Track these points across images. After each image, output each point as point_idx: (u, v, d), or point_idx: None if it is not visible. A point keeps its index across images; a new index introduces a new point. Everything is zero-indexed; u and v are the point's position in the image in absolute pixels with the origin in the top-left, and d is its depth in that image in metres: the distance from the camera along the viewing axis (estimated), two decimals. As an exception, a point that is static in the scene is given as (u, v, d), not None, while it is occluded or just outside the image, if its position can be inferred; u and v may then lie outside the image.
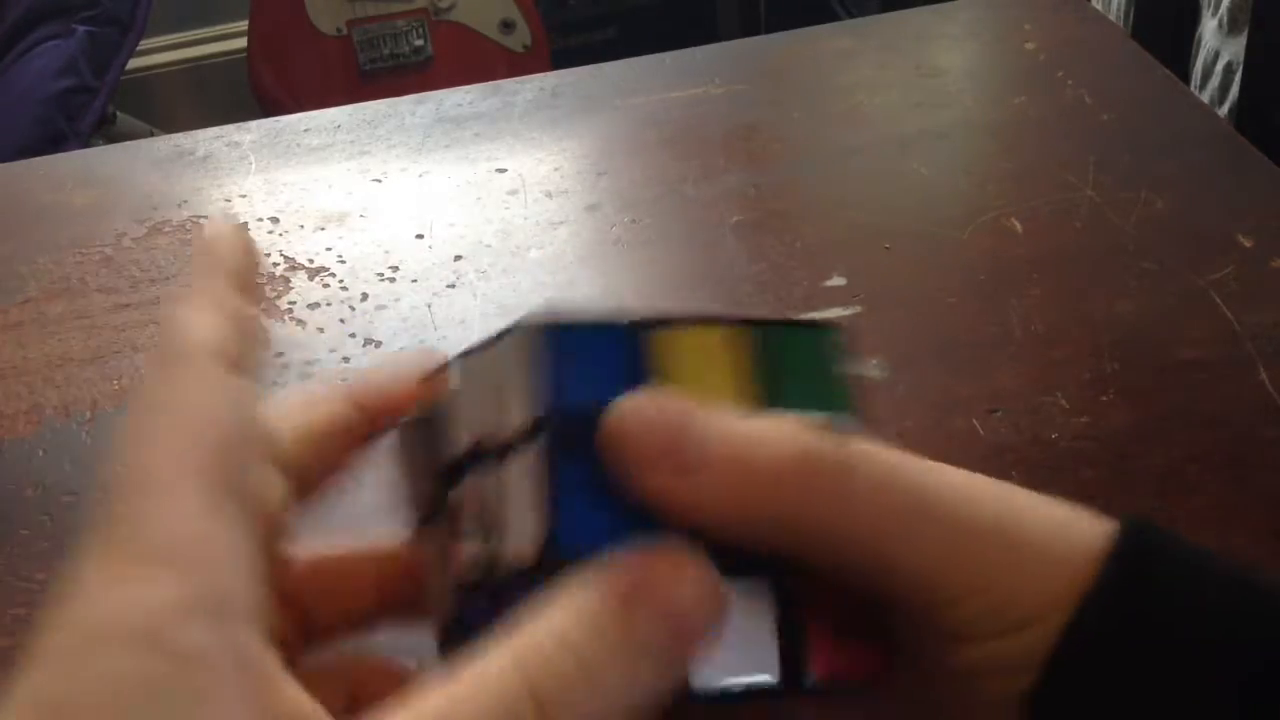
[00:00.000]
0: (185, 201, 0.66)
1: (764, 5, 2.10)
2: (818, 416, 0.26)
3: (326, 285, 0.59)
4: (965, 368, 0.50)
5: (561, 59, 1.96)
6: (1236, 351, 0.50)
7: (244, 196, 0.66)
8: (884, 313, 0.54)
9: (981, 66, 0.73)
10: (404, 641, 0.28)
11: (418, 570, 0.27)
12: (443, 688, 0.21)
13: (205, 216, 0.65)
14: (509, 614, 0.22)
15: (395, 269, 0.60)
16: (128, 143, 0.75)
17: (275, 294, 0.59)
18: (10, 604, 0.45)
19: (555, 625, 0.21)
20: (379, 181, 0.66)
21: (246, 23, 1.92)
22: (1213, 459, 0.45)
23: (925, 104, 0.68)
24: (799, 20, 0.85)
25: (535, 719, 0.20)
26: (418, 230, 0.62)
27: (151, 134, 1.76)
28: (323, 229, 0.63)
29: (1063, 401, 0.48)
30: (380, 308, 0.57)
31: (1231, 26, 0.86)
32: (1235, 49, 0.85)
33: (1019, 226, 0.58)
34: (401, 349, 0.54)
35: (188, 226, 0.64)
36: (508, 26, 1.91)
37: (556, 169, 0.66)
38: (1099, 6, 0.94)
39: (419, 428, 0.28)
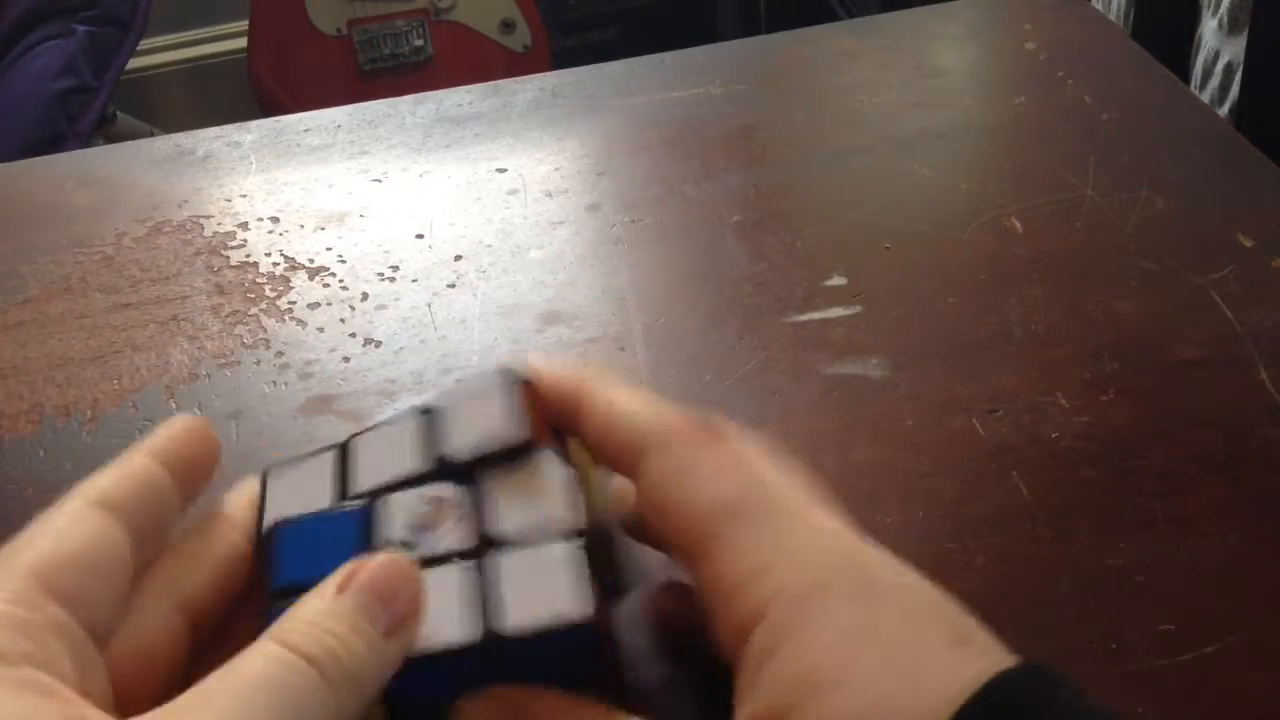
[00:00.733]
0: (185, 201, 0.66)
1: (764, 5, 2.10)
2: None
3: (326, 285, 0.59)
4: (965, 368, 0.50)
5: (561, 59, 1.96)
6: (1236, 351, 0.50)
7: (244, 196, 0.66)
8: (884, 313, 0.54)
9: (981, 66, 0.73)
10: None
11: None
12: (221, 675, 0.26)
13: (207, 216, 0.65)
14: None
15: (395, 269, 0.60)
16: (128, 143, 0.75)
17: (275, 294, 0.59)
18: (10, 604, 0.45)
19: (301, 612, 0.27)
20: (379, 181, 0.66)
21: (246, 23, 1.92)
22: (1213, 459, 0.45)
23: (925, 104, 0.68)
24: (799, 20, 0.85)
25: (304, 675, 0.25)
26: (418, 230, 0.62)
27: (151, 134, 1.76)
28: (323, 229, 0.63)
29: (1063, 401, 0.48)
30: (380, 307, 0.57)
31: (1231, 26, 0.86)
32: (1235, 49, 0.85)
33: (1019, 226, 0.58)
34: (401, 349, 0.54)
35: (188, 226, 0.64)
36: (508, 26, 1.91)
37: (556, 169, 0.66)
38: (1099, 6, 0.94)
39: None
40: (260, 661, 0.25)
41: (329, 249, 0.61)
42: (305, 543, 0.31)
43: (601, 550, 0.32)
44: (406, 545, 0.30)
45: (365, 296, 0.58)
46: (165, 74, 2.27)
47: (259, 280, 0.60)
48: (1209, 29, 0.90)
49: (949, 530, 0.43)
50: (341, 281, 0.59)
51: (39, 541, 0.28)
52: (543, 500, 0.30)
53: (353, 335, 0.56)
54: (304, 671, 0.25)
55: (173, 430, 0.32)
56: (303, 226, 0.63)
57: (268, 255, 0.61)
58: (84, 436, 0.52)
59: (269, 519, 0.32)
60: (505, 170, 0.66)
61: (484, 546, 0.30)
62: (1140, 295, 0.53)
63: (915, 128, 0.66)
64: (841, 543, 0.29)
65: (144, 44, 1.78)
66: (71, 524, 0.29)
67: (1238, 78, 0.84)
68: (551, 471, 0.31)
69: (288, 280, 0.60)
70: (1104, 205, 0.59)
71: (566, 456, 0.32)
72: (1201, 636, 0.39)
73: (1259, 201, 0.58)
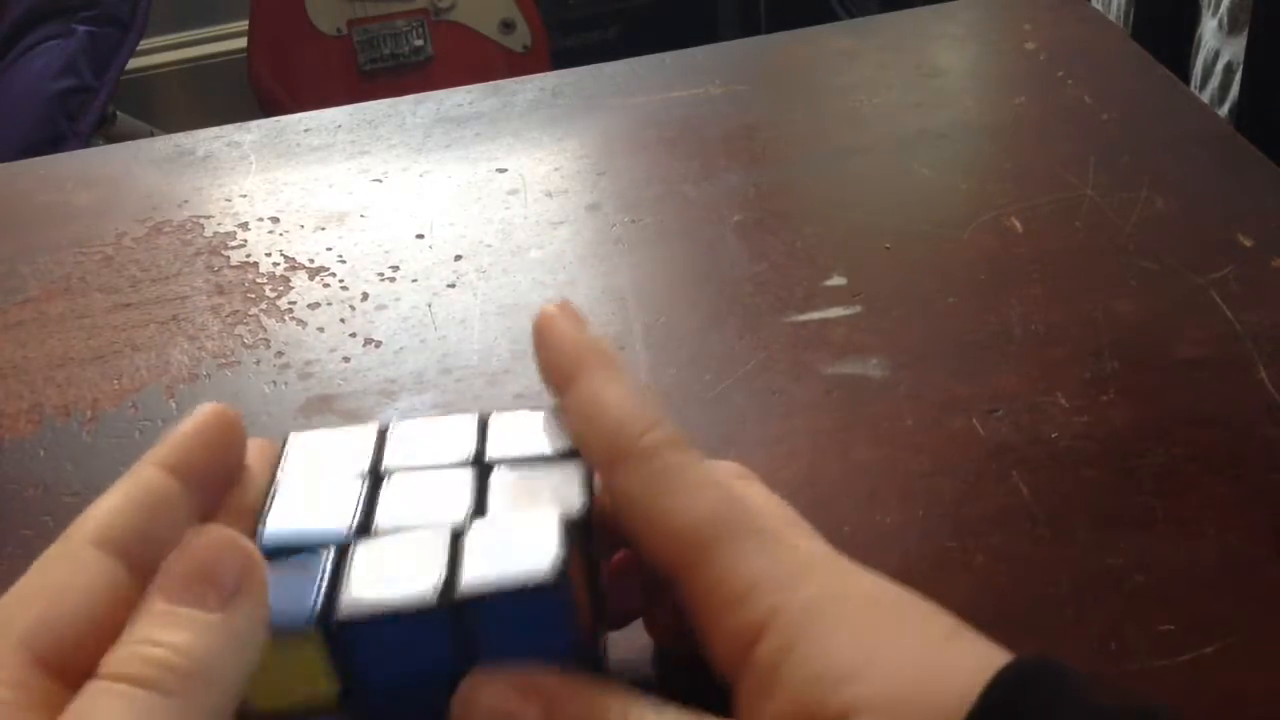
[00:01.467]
0: (185, 201, 0.66)
1: (764, 5, 2.10)
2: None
3: (326, 285, 0.59)
4: (965, 368, 0.50)
5: (561, 59, 1.96)
6: (1236, 351, 0.50)
7: (244, 196, 0.66)
8: (884, 313, 0.54)
9: (981, 66, 0.73)
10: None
11: None
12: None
13: (207, 216, 0.65)
14: None
15: (395, 269, 0.60)
16: (128, 143, 0.76)
17: (275, 294, 0.59)
18: (11, 604, 0.45)
19: (128, 631, 0.26)
20: (379, 181, 0.66)
21: (246, 23, 1.92)
22: (1213, 459, 0.45)
23: (925, 104, 0.68)
24: (799, 20, 0.85)
25: (137, 702, 0.24)
26: (418, 230, 0.62)
27: (151, 134, 1.76)
28: (323, 229, 0.63)
29: (1063, 401, 0.48)
30: (380, 308, 0.57)
31: (1231, 26, 0.86)
32: (1235, 49, 0.85)
33: (1019, 226, 0.58)
34: (402, 349, 0.54)
35: (188, 226, 0.64)
36: (508, 26, 1.91)
37: (556, 169, 0.66)
38: (1099, 6, 0.94)
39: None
40: (89, 704, 0.24)
41: (329, 249, 0.61)
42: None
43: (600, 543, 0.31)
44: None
45: (365, 296, 0.58)
46: (165, 74, 2.27)
47: (259, 280, 0.60)
48: (1209, 29, 0.90)
49: (949, 530, 0.43)
50: (341, 281, 0.59)
51: (31, 605, 0.27)
52: (550, 487, 0.30)
53: (353, 335, 0.56)
54: (136, 698, 0.24)
55: (190, 429, 0.30)
56: (303, 226, 0.63)
57: (268, 255, 0.61)
58: (84, 436, 0.52)
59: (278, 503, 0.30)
60: (505, 170, 0.66)
61: (471, 519, 0.29)
62: (1140, 295, 0.53)
63: (915, 128, 0.66)
64: (824, 555, 0.29)
65: (144, 44, 1.78)
66: (67, 576, 0.27)
67: (1238, 78, 0.84)
68: (570, 469, 0.30)
69: (288, 280, 0.60)
70: (1104, 205, 0.59)
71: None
72: (1201, 636, 0.39)
73: (1259, 201, 0.58)
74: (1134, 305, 0.53)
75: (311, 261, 0.61)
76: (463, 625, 0.27)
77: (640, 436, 0.30)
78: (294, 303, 0.58)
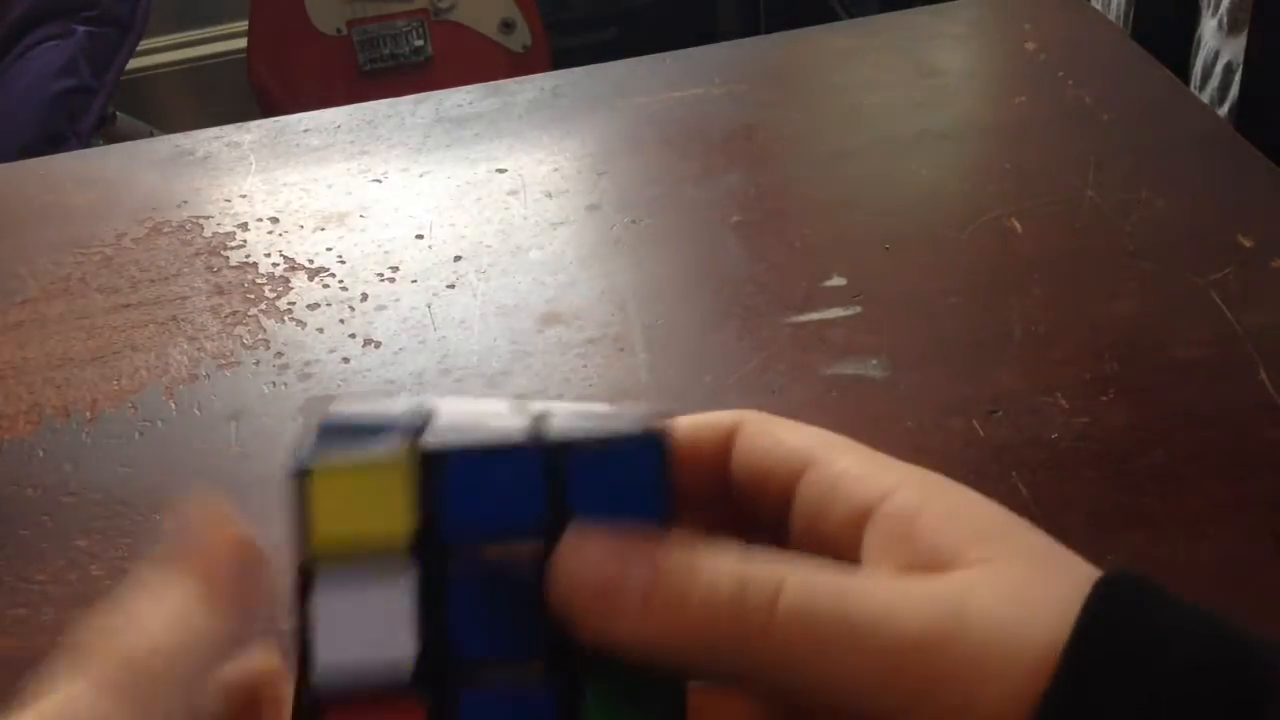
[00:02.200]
0: (185, 201, 0.66)
1: (764, 5, 2.10)
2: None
3: (326, 285, 0.59)
4: (965, 368, 0.50)
5: (561, 59, 1.96)
6: (1236, 351, 0.50)
7: (244, 196, 0.66)
8: (884, 313, 0.54)
9: (981, 66, 0.73)
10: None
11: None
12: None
13: (207, 216, 0.65)
14: None
15: (395, 269, 0.60)
16: (128, 143, 0.76)
17: (275, 294, 0.59)
18: (11, 604, 0.45)
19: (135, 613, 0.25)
20: (379, 181, 0.66)
21: (246, 23, 1.92)
22: (1213, 459, 0.45)
23: (925, 104, 0.68)
24: (799, 20, 0.85)
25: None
26: (418, 230, 0.62)
27: (151, 134, 1.76)
28: (323, 229, 0.63)
29: (1063, 401, 0.48)
30: (380, 308, 0.57)
31: (1231, 26, 0.86)
32: (1235, 49, 0.85)
33: (1019, 226, 0.58)
34: (401, 349, 0.54)
35: (188, 227, 0.64)
36: (508, 26, 1.91)
37: (556, 169, 0.66)
38: (1099, 6, 0.94)
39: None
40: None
41: (329, 249, 0.61)
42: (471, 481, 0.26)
43: None
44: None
45: (365, 297, 0.58)
46: (165, 74, 2.27)
47: (259, 281, 0.60)
48: (1209, 29, 0.90)
49: (949, 530, 0.43)
50: (341, 282, 0.59)
51: None
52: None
53: (352, 336, 0.56)
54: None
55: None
56: (302, 227, 0.63)
57: (267, 256, 0.61)
58: (83, 437, 0.51)
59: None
60: (505, 170, 0.66)
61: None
62: (1140, 295, 0.53)
63: (915, 128, 0.66)
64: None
65: (144, 44, 1.78)
66: None
67: (1238, 78, 0.84)
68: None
69: (287, 281, 0.60)
70: (1104, 205, 0.59)
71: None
72: (1201, 637, 0.39)
73: (1259, 201, 0.58)
74: (1134, 306, 0.53)
75: (311, 262, 0.61)
76: (555, 480, 0.25)
77: (732, 418, 0.30)
78: (293, 303, 0.58)
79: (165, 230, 0.64)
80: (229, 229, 0.64)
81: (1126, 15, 0.97)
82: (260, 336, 0.56)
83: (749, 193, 0.62)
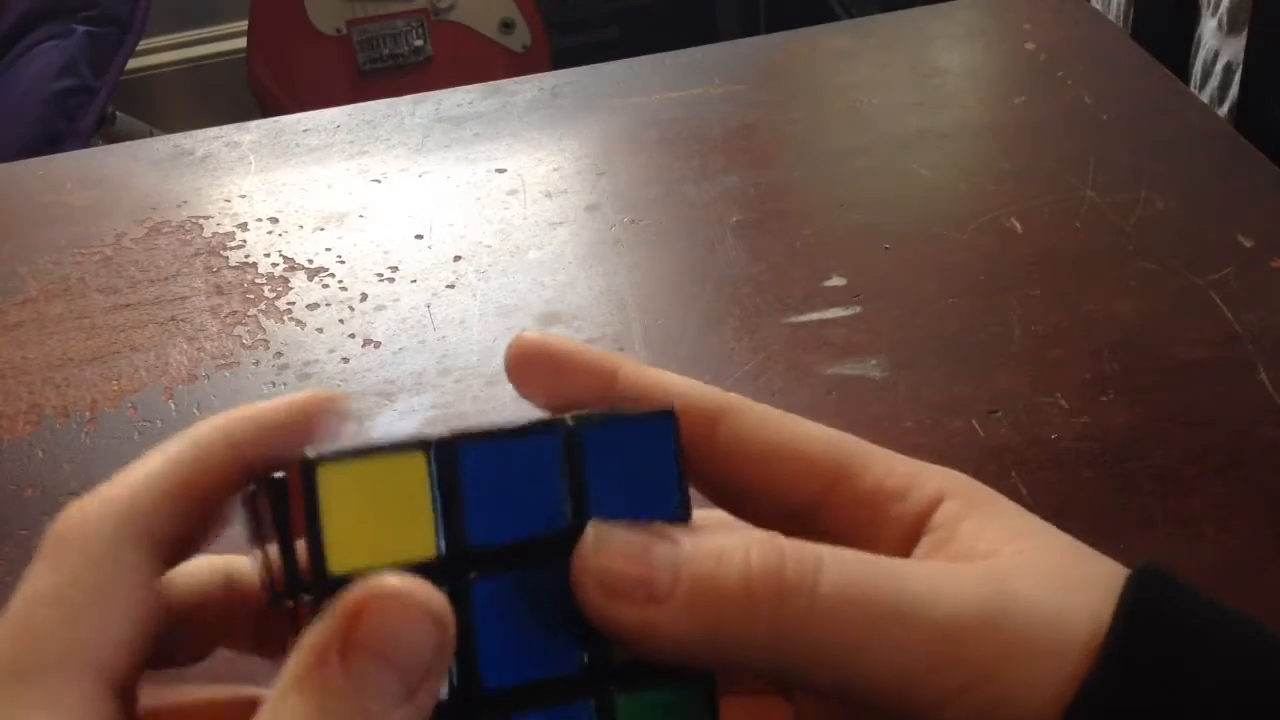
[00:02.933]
0: (185, 201, 0.66)
1: (764, 5, 2.10)
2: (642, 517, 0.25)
3: (326, 285, 0.59)
4: (965, 368, 0.50)
5: (561, 59, 1.96)
6: (1236, 351, 0.50)
7: (244, 196, 0.66)
8: (884, 313, 0.54)
9: (981, 66, 0.73)
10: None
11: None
12: None
13: (206, 216, 0.65)
14: None
15: (395, 269, 0.60)
16: (128, 143, 0.75)
17: (274, 295, 0.59)
18: (9, 604, 0.45)
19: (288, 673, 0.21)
20: (379, 181, 0.66)
21: (246, 23, 1.92)
22: (1213, 459, 0.45)
23: (925, 104, 0.68)
24: (799, 20, 0.85)
25: None
26: (417, 230, 0.62)
27: (151, 134, 1.76)
28: (322, 229, 0.63)
29: (1063, 401, 0.48)
30: (380, 308, 0.57)
31: (1231, 26, 0.86)
32: (1235, 49, 0.85)
33: (1019, 226, 0.58)
34: (401, 349, 0.54)
35: (187, 227, 0.64)
36: (508, 26, 1.91)
37: (556, 169, 0.66)
38: (1099, 6, 0.94)
39: (271, 490, 0.25)
40: None
41: (328, 249, 0.61)
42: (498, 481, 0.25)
43: None
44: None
45: (364, 297, 0.58)
46: (165, 74, 2.27)
47: (258, 281, 0.60)
48: (1208, 29, 0.90)
49: (949, 531, 0.43)
50: (341, 282, 0.59)
51: (87, 625, 0.24)
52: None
53: (352, 336, 0.56)
54: None
55: (283, 410, 0.26)
56: (302, 227, 0.63)
57: (267, 256, 0.61)
58: (83, 437, 0.51)
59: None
60: (505, 170, 0.66)
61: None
62: (1140, 295, 0.53)
63: (915, 128, 0.66)
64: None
65: (144, 44, 1.78)
66: (123, 598, 0.24)
67: (1237, 77, 0.84)
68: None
69: (287, 281, 0.60)
70: (1104, 205, 0.59)
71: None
72: (1201, 637, 0.39)
73: (1259, 201, 0.58)
74: (1134, 306, 0.53)
75: (310, 262, 0.61)
76: (572, 463, 0.25)
77: (720, 398, 0.29)
78: (293, 303, 0.58)
79: (165, 230, 0.64)
80: (229, 229, 0.64)
81: (1126, 15, 0.97)
82: (260, 337, 0.56)
83: (748, 193, 0.62)
